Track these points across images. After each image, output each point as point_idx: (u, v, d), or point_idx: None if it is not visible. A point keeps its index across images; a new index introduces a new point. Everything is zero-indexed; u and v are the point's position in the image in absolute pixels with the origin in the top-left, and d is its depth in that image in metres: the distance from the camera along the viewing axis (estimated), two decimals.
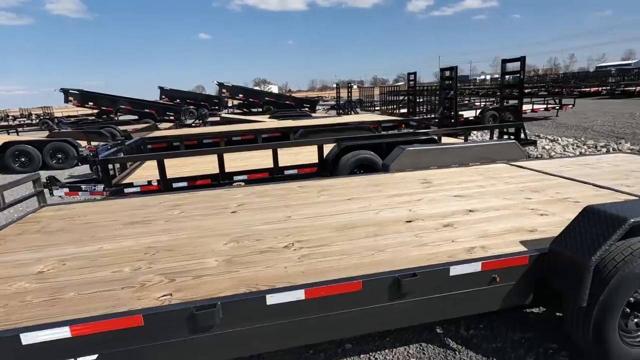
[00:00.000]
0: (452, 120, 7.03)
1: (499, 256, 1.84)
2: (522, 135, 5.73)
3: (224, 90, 19.11)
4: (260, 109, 17.84)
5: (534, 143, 5.91)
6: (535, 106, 13.59)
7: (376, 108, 18.59)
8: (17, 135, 14.41)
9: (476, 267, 1.80)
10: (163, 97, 26.27)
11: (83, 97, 15.68)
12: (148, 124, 10.65)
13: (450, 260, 1.84)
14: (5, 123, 29.80)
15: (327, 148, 4.90)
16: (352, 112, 14.55)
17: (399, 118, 8.63)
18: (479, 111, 12.42)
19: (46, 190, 4.92)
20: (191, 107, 25.75)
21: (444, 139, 6.16)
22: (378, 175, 3.70)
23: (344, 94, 18.11)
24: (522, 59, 5.39)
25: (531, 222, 2.30)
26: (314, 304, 1.65)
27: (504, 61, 5.73)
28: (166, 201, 3.19)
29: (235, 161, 4.93)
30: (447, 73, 7.49)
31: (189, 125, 13.58)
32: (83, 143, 9.69)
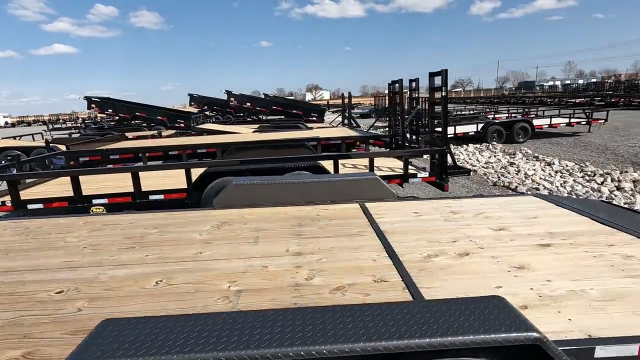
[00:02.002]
0: (391, 140, 6.17)
1: None
2: (451, 163, 4.82)
3: (232, 99, 19.32)
4: (266, 117, 17.76)
5: (467, 172, 4.92)
6: (555, 121, 11.79)
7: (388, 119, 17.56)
8: (42, 138, 15.77)
9: None
10: (192, 103, 27.52)
11: (103, 105, 16.75)
12: (117, 135, 10.93)
13: None
14: (59, 125, 33.30)
15: None
16: (354, 124, 13.79)
17: (356, 134, 7.86)
18: (480, 126, 11.05)
19: None
20: (218, 114, 26.66)
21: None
22: (180, 213, 3.18)
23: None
24: (443, 73, 4.50)
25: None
26: None
27: (431, 75, 4.84)
28: None
29: None
30: (411, 86, 6.66)
31: (189, 134, 13.81)
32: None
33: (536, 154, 8.91)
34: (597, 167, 7.45)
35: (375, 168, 5.40)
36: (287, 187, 3.36)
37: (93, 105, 16.86)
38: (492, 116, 13.88)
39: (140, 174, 5.17)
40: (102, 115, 18.26)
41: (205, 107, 26.27)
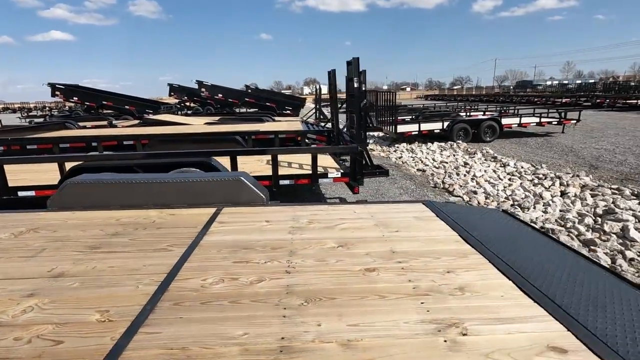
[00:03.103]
0: (328, 136, 5.70)
1: None
2: (368, 162, 4.36)
3: (203, 89, 18.71)
4: (246, 109, 17.18)
5: (385, 173, 4.47)
6: (525, 120, 11.34)
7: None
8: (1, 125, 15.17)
9: None
10: (172, 94, 26.83)
11: (68, 92, 16.11)
12: (56, 124, 10.36)
13: None
14: (37, 113, 32.58)
15: None
16: (325, 118, 13.30)
17: (299, 129, 7.38)
18: (447, 123, 10.58)
19: None
20: (199, 105, 26.01)
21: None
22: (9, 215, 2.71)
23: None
24: (354, 62, 4.03)
25: None
26: None
27: (348, 64, 4.37)
28: None
29: None
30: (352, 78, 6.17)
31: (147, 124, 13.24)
32: None
33: (496, 155, 8.48)
34: (552, 169, 7.03)
35: (299, 165, 4.95)
36: (137, 188, 2.90)
37: (57, 93, 16.20)
38: (466, 114, 13.40)
39: (28, 166, 4.73)
40: (82, 104, 17.41)
41: (186, 97, 25.62)
